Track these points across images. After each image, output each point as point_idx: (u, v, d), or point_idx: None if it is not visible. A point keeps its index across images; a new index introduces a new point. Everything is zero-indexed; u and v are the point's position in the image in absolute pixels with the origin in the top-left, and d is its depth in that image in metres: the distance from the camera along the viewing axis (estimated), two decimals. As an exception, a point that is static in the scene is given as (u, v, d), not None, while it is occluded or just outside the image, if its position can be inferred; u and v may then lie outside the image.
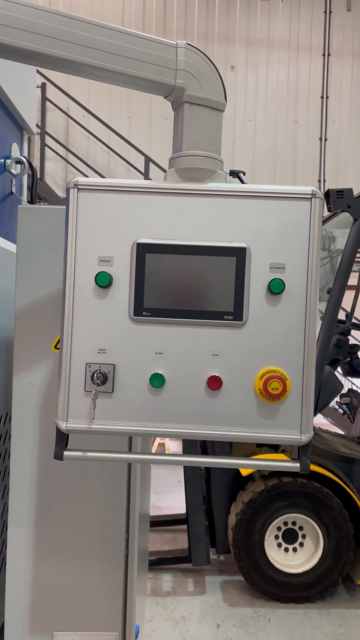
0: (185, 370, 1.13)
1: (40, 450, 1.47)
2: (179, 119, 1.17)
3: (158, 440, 6.37)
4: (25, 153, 2.45)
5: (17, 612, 1.47)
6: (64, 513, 1.47)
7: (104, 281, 1.12)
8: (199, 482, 3.16)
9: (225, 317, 1.12)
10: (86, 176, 6.63)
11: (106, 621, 1.48)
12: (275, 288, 1.10)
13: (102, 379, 1.12)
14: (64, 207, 1.47)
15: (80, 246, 1.13)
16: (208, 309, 1.12)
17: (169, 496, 4.76)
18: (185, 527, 3.90)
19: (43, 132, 6.44)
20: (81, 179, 1.13)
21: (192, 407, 1.13)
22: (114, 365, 1.14)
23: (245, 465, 1.18)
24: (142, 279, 1.12)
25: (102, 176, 6.60)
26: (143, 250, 1.12)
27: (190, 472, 3.15)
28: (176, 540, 3.85)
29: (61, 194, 6.67)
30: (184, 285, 1.12)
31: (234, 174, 1.37)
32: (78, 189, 1.13)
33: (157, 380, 1.12)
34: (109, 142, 6.59)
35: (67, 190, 1.14)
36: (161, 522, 3.96)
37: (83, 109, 6.41)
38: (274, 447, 3.26)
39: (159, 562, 3.37)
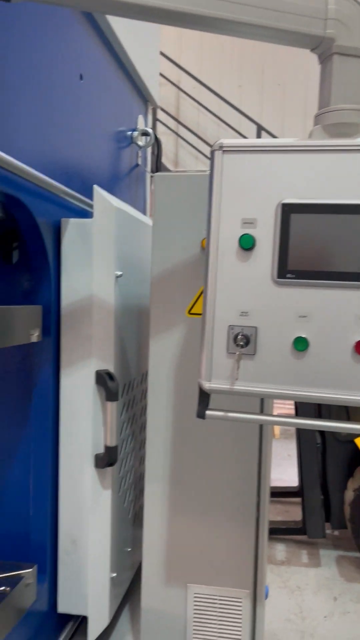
0: (331, 333, 1.10)
1: (174, 412, 1.53)
2: (326, 72, 1.12)
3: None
4: (150, 125, 2.50)
5: (153, 563, 1.55)
6: (197, 472, 1.52)
7: (247, 243, 1.12)
8: (314, 456, 3.12)
9: (375, 279, 1.07)
10: (196, 149, 6.59)
11: (237, 578, 1.52)
12: None
13: (245, 341, 1.13)
14: (199, 173, 1.49)
15: (224, 209, 1.13)
16: (356, 270, 1.07)
17: (279, 469, 4.75)
18: (296, 499, 3.88)
19: (155, 106, 6.52)
20: (226, 141, 1.13)
21: (337, 371, 1.10)
22: (256, 327, 1.14)
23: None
24: (287, 241, 1.10)
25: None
26: (288, 211, 1.10)
27: (306, 445, 3.12)
28: (288, 512, 3.85)
29: (172, 167, 6.73)
30: (331, 246, 1.08)
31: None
32: (223, 150, 1.12)
33: (300, 344, 1.11)
34: (219, 113, 6.52)
35: (212, 152, 1.14)
36: (273, 494, 3.97)
37: (194, 80, 6.39)
38: None
39: (272, 532, 3.39)
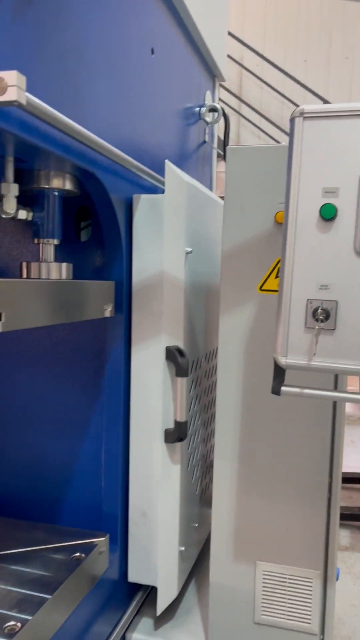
0: None
1: (244, 389, 1.51)
2: None
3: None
4: (217, 101, 2.46)
5: (222, 538, 1.56)
6: (268, 450, 1.50)
7: (329, 213, 1.08)
8: (383, 441, 3.03)
9: None
10: (259, 128, 6.45)
11: (307, 558, 1.50)
12: None
13: (324, 315, 1.10)
14: (273, 145, 1.45)
15: (304, 178, 1.10)
16: None
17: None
18: (359, 486, 3.80)
19: (222, 82, 6.42)
20: (307, 107, 1.08)
21: None
22: (336, 301, 1.10)
23: None
24: (371, 211, 1.05)
25: (276, 126, 6.42)
26: (373, 179, 1.05)
27: (374, 430, 3.03)
28: (352, 499, 3.77)
29: (234, 148, 6.63)
30: None
31: None
32: (304, 117, 1.08)
33: (384, 318, 1.06)
34: (283, 90, 6.35)
35: (292, 120, 1.10)
36: (337, 479, 3.90)
37: (257, 56, 6.24)
38: None
39: (336, 517, 3.34)
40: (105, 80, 1.37)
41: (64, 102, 1.18)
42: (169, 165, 1.52)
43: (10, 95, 0.89)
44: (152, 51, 1.68)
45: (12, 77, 0.89)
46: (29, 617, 1.17)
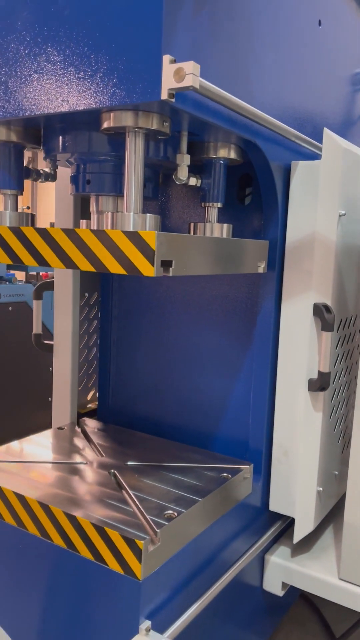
0: None
1: (389, 347, 1.59)
2: None
3: None
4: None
5: (358, 480, 1.67)
6: None
7: None
8: None
9: None
10: None
11: None
12: None
13: None
14: None
15: None
16: None
17: None
18: None
19: None
20: None
21: None
22: None
23: None
24: None
25: None
26: None
27: None
28: None
29: None
30: None
31: None
32: None
33: None
34: None
35: None
36: None
37: None
38: None
39: None
40: (272, 58, 1.52)
41: (234, 80, 1.36)
42: (326, 132, 1.62)
43: (187, 81, 1.10)
44: (320, 23, 1.76)
45: (189, 66, 1.10)
46: (183, 510, 1.44)
